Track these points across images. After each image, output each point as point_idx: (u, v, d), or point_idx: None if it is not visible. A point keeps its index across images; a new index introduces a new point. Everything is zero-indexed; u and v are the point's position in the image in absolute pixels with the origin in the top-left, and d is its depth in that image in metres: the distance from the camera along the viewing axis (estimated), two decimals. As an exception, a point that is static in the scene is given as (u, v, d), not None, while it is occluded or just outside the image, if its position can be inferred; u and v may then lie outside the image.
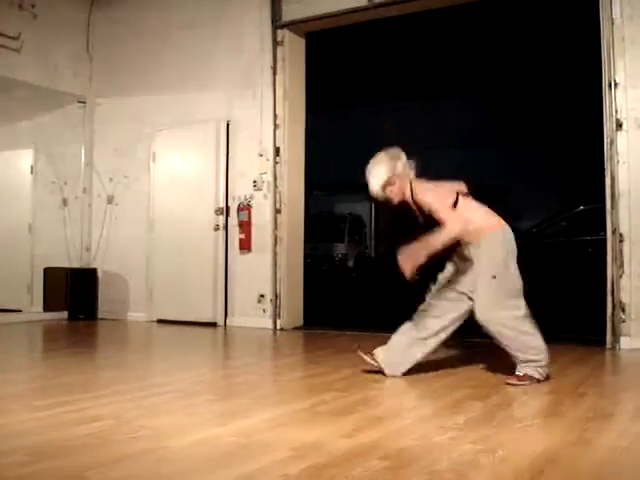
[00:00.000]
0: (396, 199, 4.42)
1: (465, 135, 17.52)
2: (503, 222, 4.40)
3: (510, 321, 4.27)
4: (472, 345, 5.95)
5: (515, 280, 4.32)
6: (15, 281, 9.61)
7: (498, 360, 5.47)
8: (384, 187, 4.36)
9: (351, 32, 9.59)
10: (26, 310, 9.29)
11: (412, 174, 4.41)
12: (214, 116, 8.29)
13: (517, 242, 4.36)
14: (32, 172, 9.71)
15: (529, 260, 7.89)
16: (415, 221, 4.42)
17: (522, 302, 4.32)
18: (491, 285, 4.26)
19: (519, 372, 4.31)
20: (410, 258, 4.15)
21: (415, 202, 4.34)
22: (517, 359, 4.33)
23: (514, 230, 4.40)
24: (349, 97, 17.87)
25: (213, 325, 8.05)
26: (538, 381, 4.29)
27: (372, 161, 4.44)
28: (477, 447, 2.85)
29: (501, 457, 2.73)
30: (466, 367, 5.09)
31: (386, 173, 4.34)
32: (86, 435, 3.10)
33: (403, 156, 4.42)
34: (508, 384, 4.26)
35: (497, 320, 4.28)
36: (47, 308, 9.01)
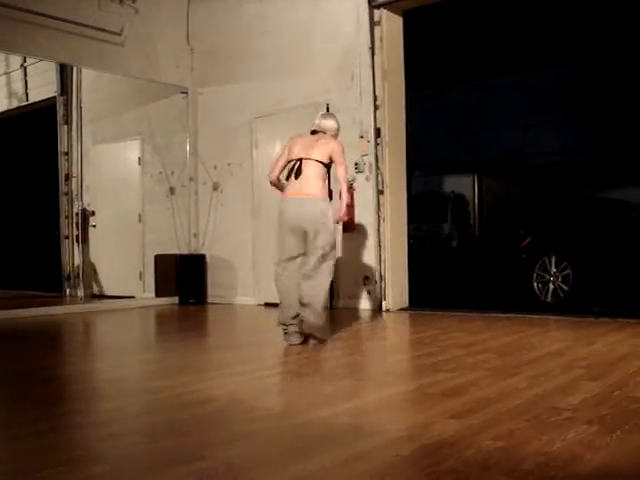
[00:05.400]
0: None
1: (561, 110, 17.08)
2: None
3: None
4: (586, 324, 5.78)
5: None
6: (128, 269, 9.96)
7: (609, 339, 5.31)
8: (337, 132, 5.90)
9: (447, 8, 9.43)
10: (138, 296, 9.64)
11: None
12: (313, 99, 8.31)
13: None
14: (140, 163, 10.01)
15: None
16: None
17: None
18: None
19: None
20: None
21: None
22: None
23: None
24: (447, 74, 17.68)
25: (319, 307, 8.10)
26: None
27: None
28: (593, 428, 2.78)
29: (619, 438, 2.65)
30: (577, 347, 4.96)
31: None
32: (201, 415, 3.20)
33: None
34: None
35: None
36: (159, 294, 9.31)
